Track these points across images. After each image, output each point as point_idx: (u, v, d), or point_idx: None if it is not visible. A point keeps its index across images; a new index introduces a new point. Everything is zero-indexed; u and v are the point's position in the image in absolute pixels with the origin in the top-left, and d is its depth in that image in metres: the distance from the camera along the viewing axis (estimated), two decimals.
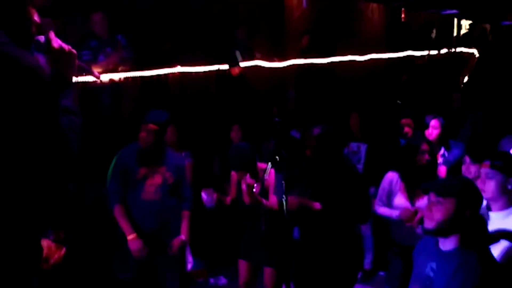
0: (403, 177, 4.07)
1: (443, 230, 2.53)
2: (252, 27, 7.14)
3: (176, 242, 4.10)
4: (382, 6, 10.52)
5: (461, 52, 10.18)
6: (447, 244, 2.56)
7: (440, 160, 4.76)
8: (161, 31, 6.46)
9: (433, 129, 4.93)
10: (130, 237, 3.96)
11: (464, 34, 11.51)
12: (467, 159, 3.88)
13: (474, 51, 10.45)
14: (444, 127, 4.89)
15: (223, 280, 5.45)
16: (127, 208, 4.07)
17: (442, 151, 4.91)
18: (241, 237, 4.26)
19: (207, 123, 6.25)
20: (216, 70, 5.98)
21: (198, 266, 5.27)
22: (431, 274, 2.59)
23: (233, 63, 4.50)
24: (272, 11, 8.13)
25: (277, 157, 3.50)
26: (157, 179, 4.08)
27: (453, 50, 9.98)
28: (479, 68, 9.39)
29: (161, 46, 6.04)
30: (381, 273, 5.38)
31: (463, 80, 10.20)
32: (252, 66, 6.49)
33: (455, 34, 11.85)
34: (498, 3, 9.64)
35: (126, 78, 5.29)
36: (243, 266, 4.24)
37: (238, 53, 4.56)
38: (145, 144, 4.03)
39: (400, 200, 4.04)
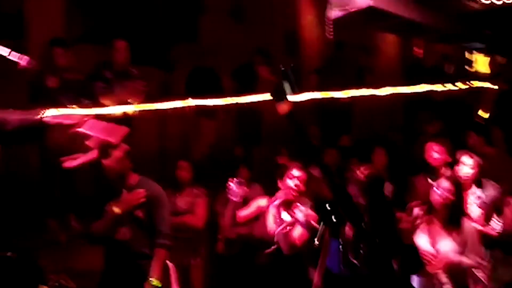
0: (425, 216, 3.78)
1: None
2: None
3: None
4: (397, 40, 10.37)
5: (479, 86, 9.91)
6: None
7: (475, 200, 4.44)
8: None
9: (465, 166, 4.60)
10: None
11: None
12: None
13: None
14: (477, 165, 4.57)
15: None
16: None
17: (474, 190, 4.58)
18: None
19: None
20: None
21: None
22: None
23: (281, 97, 3.58)
24: (289, 47, 7.98)
25: (333, 217, 3.02)
26: None
27: (471, 84, 9.69)
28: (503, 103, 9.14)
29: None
30: None
31: (482, 116, 9.91)
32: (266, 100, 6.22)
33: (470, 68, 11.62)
34: None
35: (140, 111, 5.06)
36: None
37: (287, 86, 3.70)
38: None
39: (421, 240, 3.74)
